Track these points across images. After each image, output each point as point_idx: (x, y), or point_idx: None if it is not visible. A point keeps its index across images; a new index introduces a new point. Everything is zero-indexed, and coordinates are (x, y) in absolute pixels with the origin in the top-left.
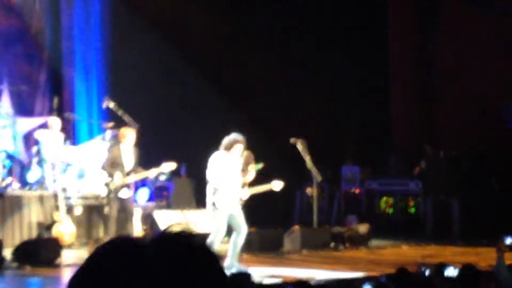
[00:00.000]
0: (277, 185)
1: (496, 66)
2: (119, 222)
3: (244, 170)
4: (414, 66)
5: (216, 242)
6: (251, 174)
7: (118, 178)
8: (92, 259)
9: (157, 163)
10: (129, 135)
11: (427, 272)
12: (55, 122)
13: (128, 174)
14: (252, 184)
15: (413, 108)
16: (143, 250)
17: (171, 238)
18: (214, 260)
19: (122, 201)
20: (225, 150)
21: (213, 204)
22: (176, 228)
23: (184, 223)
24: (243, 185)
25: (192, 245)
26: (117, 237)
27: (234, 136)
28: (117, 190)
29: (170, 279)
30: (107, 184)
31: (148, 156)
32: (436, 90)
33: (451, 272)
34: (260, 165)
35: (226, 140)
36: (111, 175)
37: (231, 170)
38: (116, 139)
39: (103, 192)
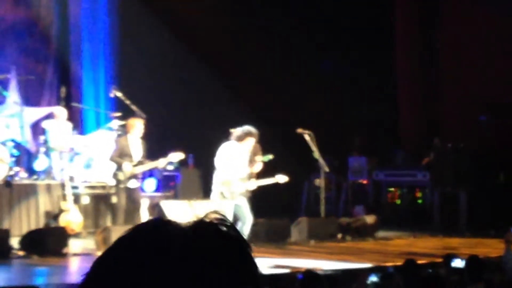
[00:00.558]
0: (281, 178)
1: (497, 63)
2: (127, 212)
3: (252, 160)
4: (420, 60)
5: None
6: (259, 165)
7: (127, 168)
8: (128, 237)
9: (164, 154)
10: (137, 125)
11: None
12: (61, 111)
13: (136, 164)
14: (260, 175)
15: (420, 102)
16: (182, 232)
17: (209, 224)
18: (249, 249)
19: (130, 191)
20: (236, 140)
21: (221, 193)
22: (213, 216)
23: (220, 212)
24: (250, 177)
25: (229, 233)
26: (156, 218)
27: (248, 128)
28: (125, 180)
29: (206, 263)
30: (115, 174)
31: (155, 146)
32: (442, 84)
33: (458, 263)
34: (269, 156)
35: (239, 131)
36: (119, 166)
37: (239, 161)
38: (123, 129)
39: (111, 182)
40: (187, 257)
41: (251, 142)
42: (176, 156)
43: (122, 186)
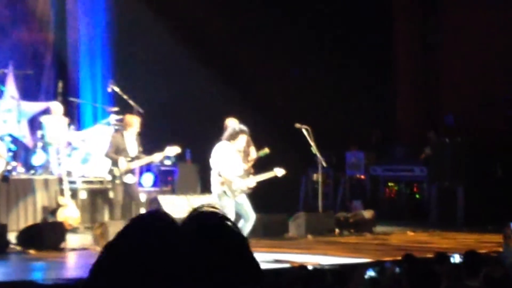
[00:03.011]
0: (279, 172)
1: (499, 55)
2: (124, 207)
3: (246, 153)
4: (419, 54)
5: None
6: (253, 153)
7: (123, 164)
8: (126, 231)
9: (161, 148)
10: (134, 123)
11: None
12: (56, 106)
13: (132, 159)
14: (258, 170)
15: (418, 96)
16: (176, 225)
17: (203, 216)
18: (243, 239)
19: (127, 186)
20: (229, 140)
21: (224, 192)
22: (207, 209)
23: (214, 205)
24: (248, 173)
25: (223, 224)
26: (152, 211)
27: (238, 126)
28: (121, 175)
29: (201, 254)
30: (111, 170)
31: (152, 141)
32: (441, 79)
33: (455, 258)
34: (266, 151)
35: (230, 130)
36: (115, 161)
37: (235, 159)
38: (119, 125)
39: (108, 177)
40: (188, 251)
41: (243, 139)
42: (173, 150)
43: (118, 181)
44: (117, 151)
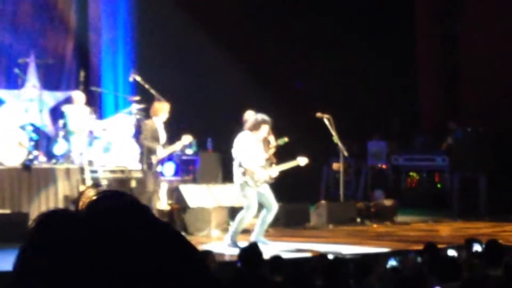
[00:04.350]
0: (302, 161)
1: None
2: (146, 196)
3: (266, 142)
4: (440, 43)
5: (247, 218)
6: (272, 145)
7: (161, 152)
8: (30, 236)
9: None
10: (164, 109)
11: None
12: (79, 96)
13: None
14: (279, 161)
15: (441, 85)
16: (78, 219)
17: (100, 202)
18: (145, 209)
19: (156, 176)
20: (251, 130)
21: (246, 182)
22: (94, 192)
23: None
24: (270, 162)
25: (120, 203)
26: (51, 210)
27: (261, 116)
28: (156, 164)
29: (109, 240)
30: (148, 158)
31: (174, 130)
32: (462, 68)
33: (477, 247)
34: (285, 139)
35: (252, 120)
36: (153, 150)
37: (257, 149)
38: (143, 113)
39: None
40: (87, 240)
41: (265, 129)
42: (187, 139)
43: (153, 170)
44: (153, 138)
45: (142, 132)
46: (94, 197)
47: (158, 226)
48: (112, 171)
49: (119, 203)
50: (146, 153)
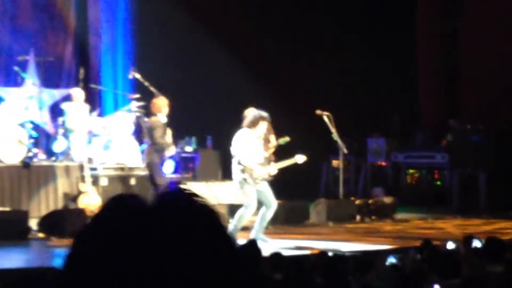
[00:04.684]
0: (300, 158)
1: None
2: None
3: (266, 141)
4: (440, 40)
5: (247, 216)
6: (273, 142)
7: (172, 150)
8: (97, 216)
9: (182, 135)
10: (166, 104)
11: (453, 245)
12: (78, 93)
13: None
14: (279, 157)
15: (441, 82)
16: (146, 207)
17: (172, 196)
18: (216, 217)
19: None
20: (249, 127)
21: (245, 180)
22: (173, 187)
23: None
24: (269, 160)
25: (193, 202)
26: (121, 195)
27: (258, 113)
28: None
29: (172, 234)
30: (163, 156)
31: (173, 128)
32: (462, 66)
33: (477, 244)
34: (286, 139)
35: (250, 117)
36: (165, 146)
37: (256, 147)
38: (143, 111)
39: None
40: (151, 229)
41: (264, 126)
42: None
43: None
44: (163, 136)
45: (153, 130)
46: (165, 190)
47: (220, 230)
48: (112, 169)
49: (187, 201)
50: (160, 151)
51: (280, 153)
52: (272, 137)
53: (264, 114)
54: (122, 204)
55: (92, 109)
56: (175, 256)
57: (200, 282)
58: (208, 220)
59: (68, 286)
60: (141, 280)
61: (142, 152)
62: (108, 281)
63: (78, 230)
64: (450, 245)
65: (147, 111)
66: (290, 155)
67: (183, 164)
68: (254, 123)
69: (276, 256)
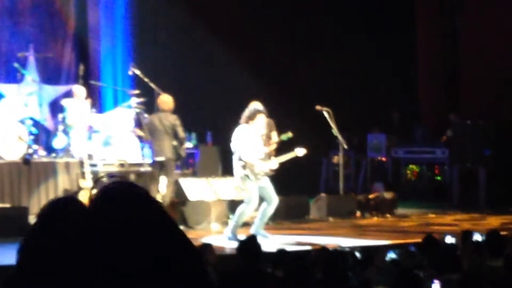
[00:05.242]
0: (300, 151)
1: None
2: (155, 188)
3: (268, 137)
4: (440, 36)
5: (248, 212)
6: (274, 144)
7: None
8: (37, 221)
9: (184, 131)
10: (172, 101)
11: (453, 240)
12: (80, 90)
13: None
14: (278, 153)
15: (440, 77)
16: (85, 207)
17: (107, 191)
18: (154, 203)
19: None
20: (247, 121)
21: (246, 176)
22: (108, 180)
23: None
24: (269, 155)
25: (127, 193)
26: (59, 197)
27: (254, 106)
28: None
29: (114, 229)
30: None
31: None
32: (462, 60)
33: (477, 238)
34: (289, 135)
35: (246, 112)
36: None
37: (255, 142)
38: (143, 107)
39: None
40: (92, 227)
41: (261, 119)
42: None
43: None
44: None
45: (180, 126)
46: (105, 187)
47: (162, 218)
48: (112, 165)
49: (127, 194)
50: (179, 146)
51: (281, 149)
52: (274, 134)
53: (259, 107)
54: (62, 205)
55: (92, 105)
56: (118, 249)
57: (144, 273)
58: (150, 211)
59: (19, 281)
60: (87, 277)
61: (143, 148)
62: (56, 277)
63: (27, 230)
64: (449, 239)
65: (151, 109)
66: (290, 150)
67: (183, 160)
68: (251, 117)
69: (281, 252)
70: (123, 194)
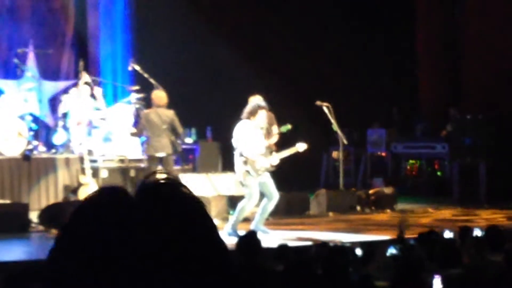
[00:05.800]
0: (301, 146)
1: None
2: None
3: (269, 132)
4: (441, 30)
5: (248, 207)
6: (275, 136)
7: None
8: (79, 209)
9: (184, 127)
10: (166, 97)
11: (451, 235)
12: (83, 87)
13: None
14: (279, 148)
15: (441, 72)
16: (128, 198)
17: (154, 186)
18: (199, 205)
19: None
20: (248, 117)
21: (247, 172)
22: (159, 176)
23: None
24: (270, 150)
25: (176, 191)
26: (104, 187)
27: (256, 101)
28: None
29: (155, 225)
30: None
31: None
32: (462, 55)
33: (477, 233)
34: (288, 127)
35: (248, 107)
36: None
37: (256, 137)
38: (142, 102)
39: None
40: (133, 220)
41: (263, 114)
42: None
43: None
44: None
45: (177, 121)
46: (156, 183)
47: (205, 222)
48: (112, 161)
49: (176, 192)
50: (177, 141)
51: (281, 144)
52: (275, 127)
53: (261, 102)
54: (106, 196)
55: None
56: (159, 246)
57: (185, 272)
58: (192, 210)
59: (51, 278)
60: (125, 272)
61: (142, 144)
62: (93, 272)
63: (64, 223)
64: (448, 234)
65: (149, 104)
66: (291, 145)
67: (183, 156)
68: (253, 113)
69: (283, 248)
70: (172, 192)
